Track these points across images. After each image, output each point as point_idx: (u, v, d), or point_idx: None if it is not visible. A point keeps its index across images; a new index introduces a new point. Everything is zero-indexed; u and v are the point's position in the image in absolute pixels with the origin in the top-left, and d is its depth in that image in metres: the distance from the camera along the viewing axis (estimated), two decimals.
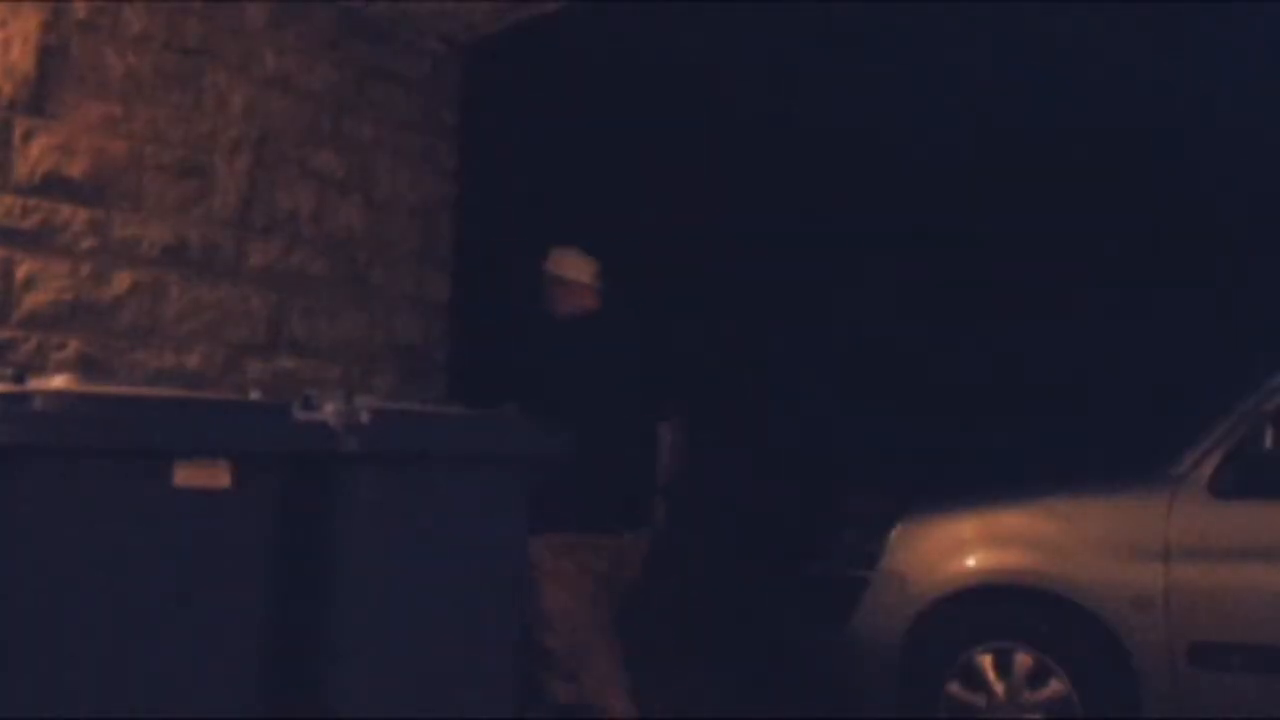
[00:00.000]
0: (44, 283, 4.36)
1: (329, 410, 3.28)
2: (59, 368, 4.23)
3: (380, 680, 3.33)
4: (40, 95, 4.36)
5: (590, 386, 4.38)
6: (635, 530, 4.52)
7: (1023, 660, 4.46)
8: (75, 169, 4.45)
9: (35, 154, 4.34)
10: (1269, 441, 4.32)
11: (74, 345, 4.42)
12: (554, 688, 4.27)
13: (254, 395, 3.65)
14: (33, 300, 4.32)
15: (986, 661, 4.52)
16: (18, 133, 4.29)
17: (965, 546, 4.69)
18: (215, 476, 3.07)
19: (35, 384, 2.98)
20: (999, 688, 4.48)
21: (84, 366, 4.37)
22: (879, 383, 7.95)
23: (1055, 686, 4.40)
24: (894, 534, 4.81)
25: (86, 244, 4.48)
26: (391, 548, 3.37)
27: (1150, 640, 4.28)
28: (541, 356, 4.51)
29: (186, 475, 3.03)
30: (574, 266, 4.70)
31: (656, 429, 4.72)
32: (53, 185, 4.38)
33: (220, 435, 3.11)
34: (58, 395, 2.90)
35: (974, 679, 4.53)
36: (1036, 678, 4.44)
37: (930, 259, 7.93)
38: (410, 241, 5.66)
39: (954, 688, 4.55)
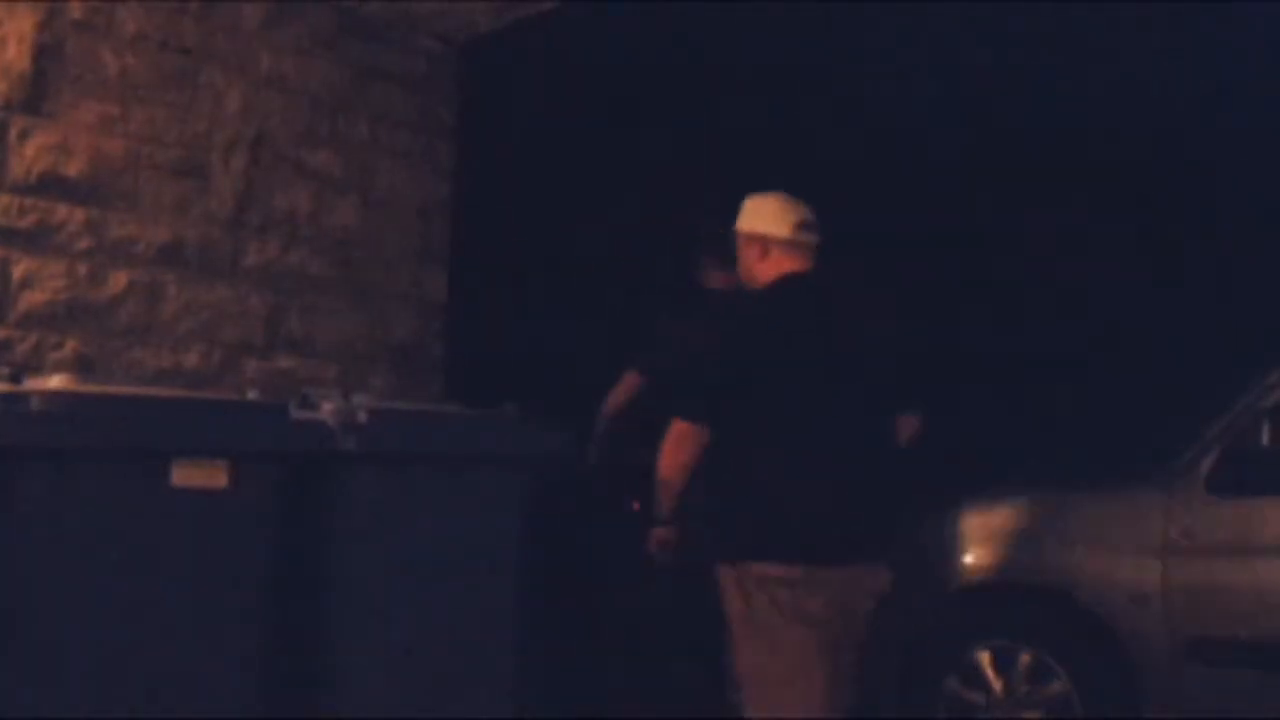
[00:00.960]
0: (41, 282, 4.35)
1: (327, 410, 3.27)
2: (56, 367, 4.23)
3: (380, 680, 3.32)
4: (36, 95, 4.35)
5: (817, 370, 3.43)
6: (876, 559, 3.45)
7: (1022, 658, 4.46)
8: (71, 168, 4.44)
9: (31, 153, 4.34)
10: (1266, 438, 4.32)
11: (71, 345, 4.42)
12: None
13: (251, 395, 3.64)
14: (29, 300, 4.32)
15: (985, 659, 4.51)
16: (14, 132, 4.29)
17: (964, 544, 4.69)
18: (213, 476, 3.07)
19: (32, 384, 2.98)
20: (998, 685, 4.48)
21: (81, 366, 4.37)
22: None
23: (1054, 684, 4.40)
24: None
25: (83, 244, 4.47)
26: (390, 547, 3.36)
27: (1148, 637, 4.28)
28: (750, 338, 3.48)
29: (184, 475, 3.02)
30: (778, 219, 3.59)
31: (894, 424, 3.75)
32: (49, 185, 4.38)
33: (218, 435, 3.11)
34: (55, 395, 2.89)
35: (973, 677, 4.52)
36: (1035, 675, 4.44)
37: (930, 258, 7.92)
38: (408, 241, 5.66)
39: (953, 685, 4.55)
